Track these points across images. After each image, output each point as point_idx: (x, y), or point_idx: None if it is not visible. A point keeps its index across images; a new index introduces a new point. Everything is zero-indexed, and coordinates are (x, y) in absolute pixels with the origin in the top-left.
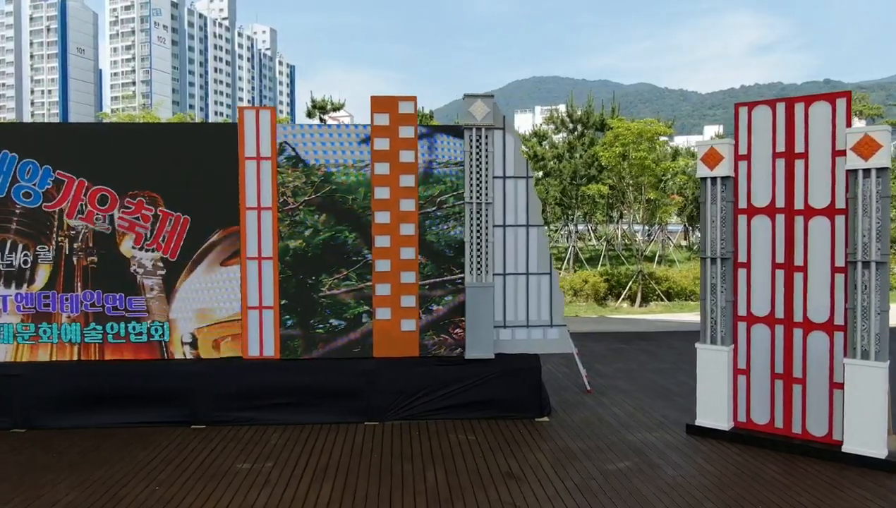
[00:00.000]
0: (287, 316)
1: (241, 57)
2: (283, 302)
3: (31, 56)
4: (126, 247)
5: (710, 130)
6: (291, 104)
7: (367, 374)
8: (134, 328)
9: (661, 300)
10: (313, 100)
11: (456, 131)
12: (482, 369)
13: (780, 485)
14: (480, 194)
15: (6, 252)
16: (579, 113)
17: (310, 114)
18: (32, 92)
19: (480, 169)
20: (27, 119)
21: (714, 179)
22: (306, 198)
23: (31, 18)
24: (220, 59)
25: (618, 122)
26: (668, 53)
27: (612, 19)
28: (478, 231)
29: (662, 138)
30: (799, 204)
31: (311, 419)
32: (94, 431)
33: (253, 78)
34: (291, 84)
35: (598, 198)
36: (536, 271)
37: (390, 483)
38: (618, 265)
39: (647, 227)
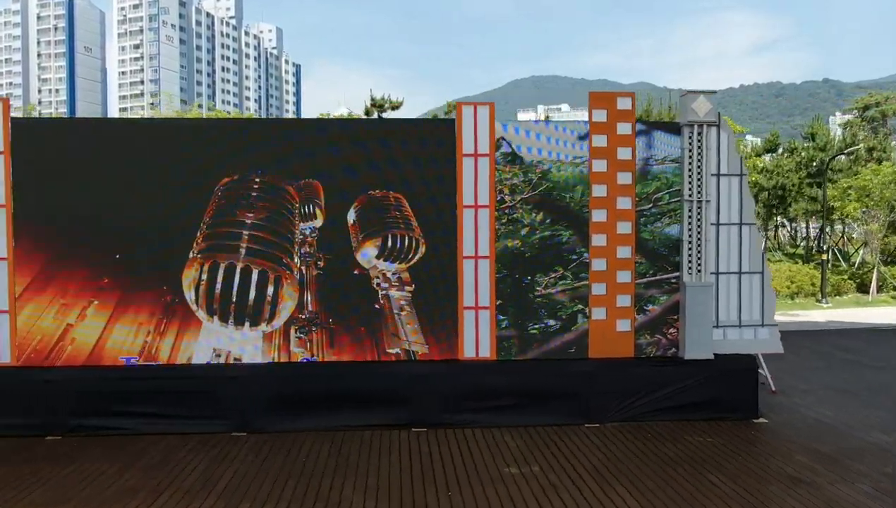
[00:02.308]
0: (502, 317)
1: (247, 56)
2: (498, 302)
3: (39, 55)
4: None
5: None
6: (297, 103)
7: (586, 376)
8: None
9: None
10: (373, 99)
11: (672, 128)
12: (699, 370)
13: None
14: (700, 192)
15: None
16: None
17: (367, 113)
18: (39, 91)
19: (701, 166)
20: None
21: None
22: (523, 196)
23: (39, 17)
24: (227, 58)
25: None
26: (668, 52)
27: (612, 17)
28: (697, 229)
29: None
30: None
31: (529, 420)
32: (314, 434)
33: (259, 77)
34: (297, 83)
35: None
36: (749, 270)
37: (684, 487)
38: None
39: None
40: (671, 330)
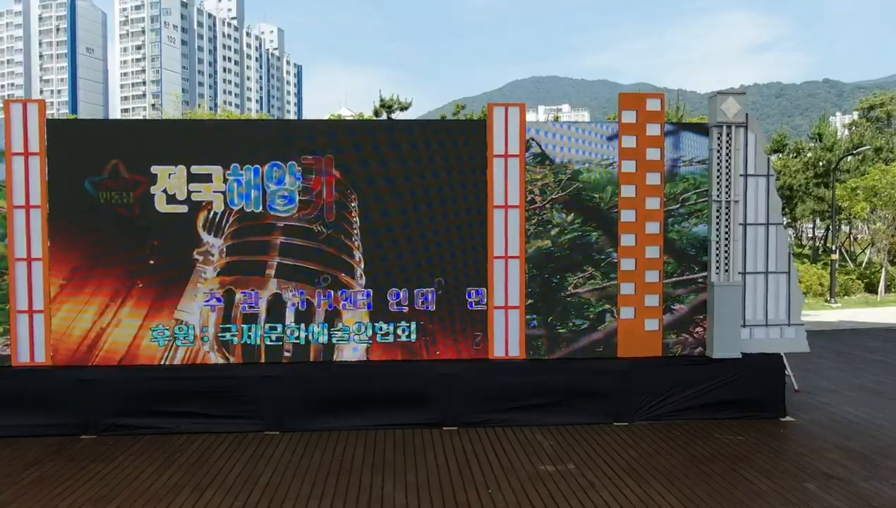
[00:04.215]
0: (531, 316)
1: (249, 57)
2: (528, 301)
3: (41, 56)
4: None
5: None
6: (299, 104)
7: (614, 374)
8: (381, 328)
9: None
10: (382, 99)
11: (700, 129)
12: (726, 369)
13: None
14: (729, 192)
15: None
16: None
17: (377, 113)
18: (42, 92)
19: (730, 167)
20: None
21: None
22: (553, 197)
23: (41, 18)
24: (229, 59)
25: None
26: (667, 52)
27: (611, 18)
28: (725, 229)
29: None
30: None
31: (559, 419)
32: (346, 433)
33: (261, 78)
34: (298, 84)
35: None
36: (775, 270)
37: (720, 484)
38: None
39: None
40: (698, 330)
